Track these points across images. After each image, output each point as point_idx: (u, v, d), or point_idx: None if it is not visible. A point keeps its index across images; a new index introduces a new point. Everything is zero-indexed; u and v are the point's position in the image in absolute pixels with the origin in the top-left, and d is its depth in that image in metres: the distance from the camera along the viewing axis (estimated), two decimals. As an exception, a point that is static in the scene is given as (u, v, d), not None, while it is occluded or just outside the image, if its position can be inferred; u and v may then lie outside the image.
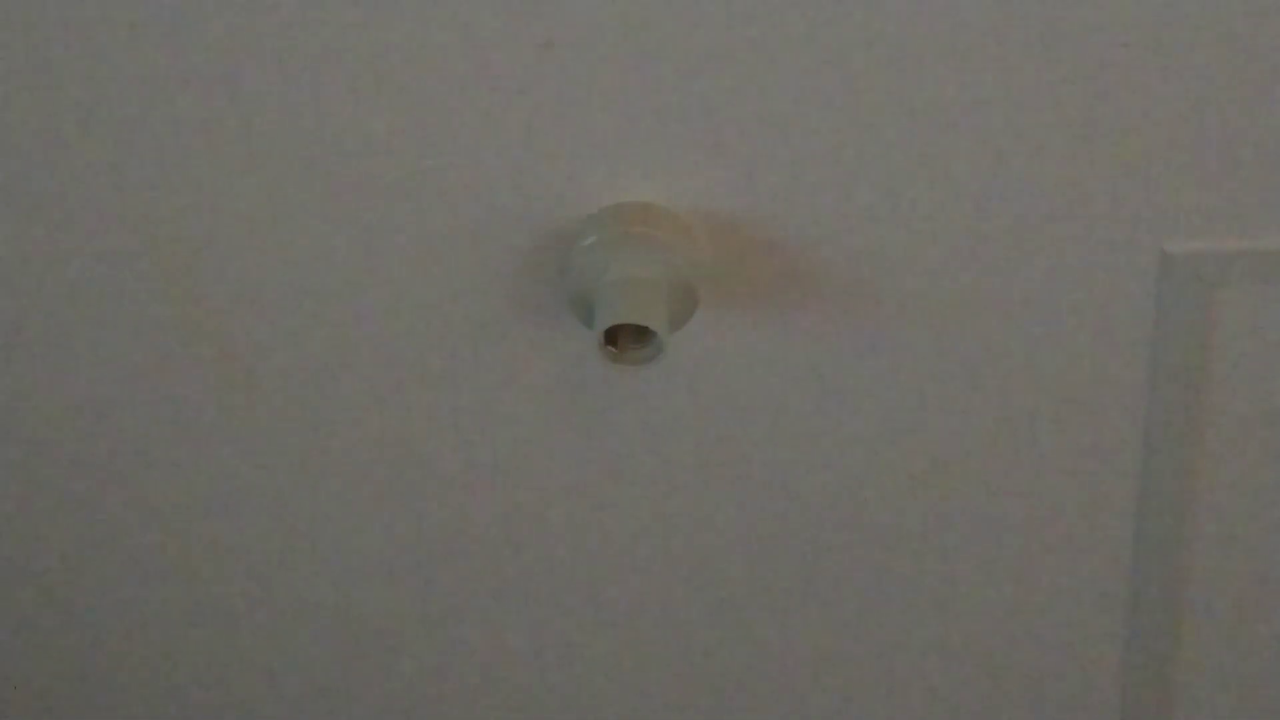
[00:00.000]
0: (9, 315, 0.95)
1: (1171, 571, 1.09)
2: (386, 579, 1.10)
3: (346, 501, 1.05)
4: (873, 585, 1.11)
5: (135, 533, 1.06)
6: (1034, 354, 0.99)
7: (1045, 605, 1.12)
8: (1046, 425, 1.02)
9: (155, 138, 0.87)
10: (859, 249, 0.93)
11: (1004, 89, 0.87)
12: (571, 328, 0.93)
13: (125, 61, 0.84)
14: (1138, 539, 1.07)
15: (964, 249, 0.94)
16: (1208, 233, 0.94)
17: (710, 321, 0.94)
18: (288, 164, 0.89)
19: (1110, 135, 0.89)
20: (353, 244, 0.92)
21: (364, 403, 1.00)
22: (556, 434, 1.01)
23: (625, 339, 0.89)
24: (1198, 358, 0.98)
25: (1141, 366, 0.99)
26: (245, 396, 0.99)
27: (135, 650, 1.13)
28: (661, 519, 1.05)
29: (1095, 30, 0.85)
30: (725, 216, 0.91)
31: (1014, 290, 0.96)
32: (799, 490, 1.05)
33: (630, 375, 0.97)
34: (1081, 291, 0.96)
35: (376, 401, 1.00)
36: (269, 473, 1.03)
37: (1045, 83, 0.87)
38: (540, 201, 0.90)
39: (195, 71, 0.85)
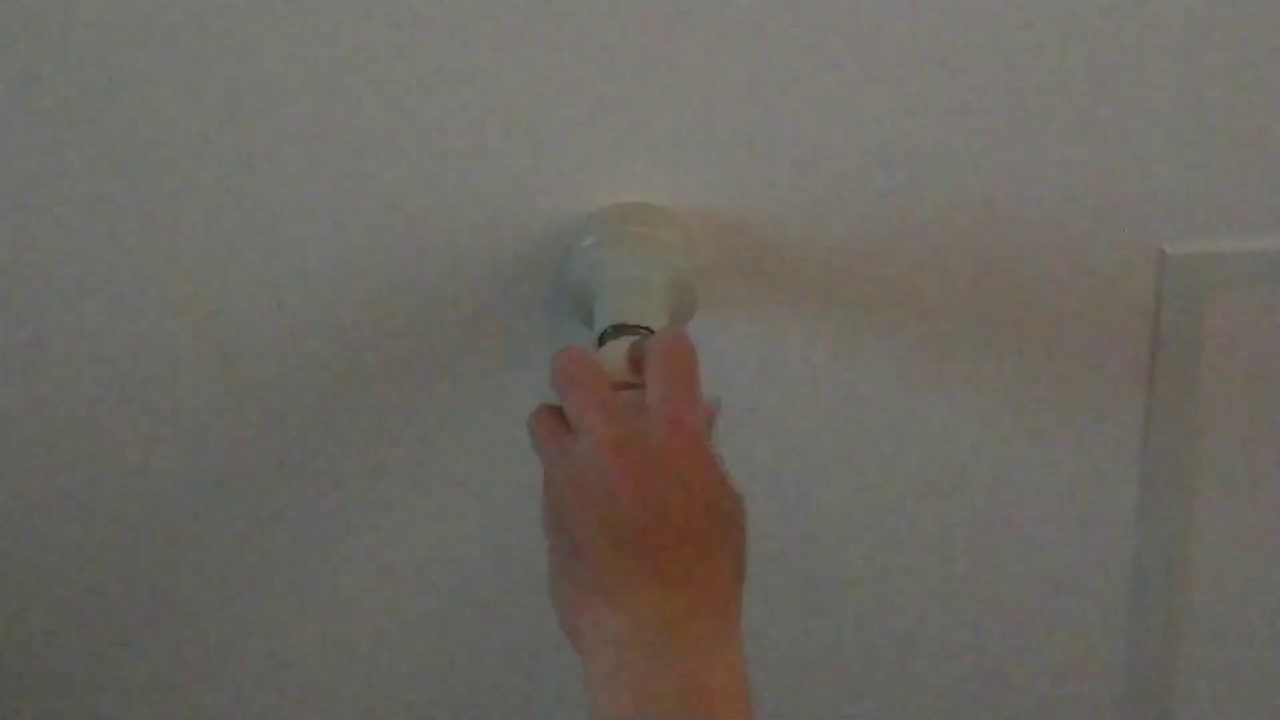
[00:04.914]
0: (9, 315, 0.95)
1: (1171, 571, 1.09)
2: (386, 578, 1.10)
3: (346, 500, 1.05)
4: (871, 585, 1.11)
5: (135, 532, 1.06)
6: (1034, 354, 0.99)
7: (1045, 606, 1.12)
8: (1047, 426, 1.02)
9: (155, 139, 0.87)
10: (858, 249, 0.93)
11: (1003, 90, 0.87)
12: (571, 328, 0.93)
13: (126, 62, 0.84)
14: (1138, 539, 1.07)
15: (964, 250, 0.94)
16: (1208, 233, 0.94)
17: (710, 321, 0.95)
18: (288, 165, 0.89)
19: (1110, 135, 0.89)
20: (353, 244, 0.92)
21: (364, 402, 1.00)
22: (556, 434, 1.01)
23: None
24: (1197, 358, 0.98)
25: (1141, 366, 0.99)
26: (245, 395, 0.99)
27: (133, 651, 1.13)
28: (661, 519, 1.05)
29: (1095, 29, 0.85)
30: (725, 216, 0.91)
31: (1014, 291, 0.96)
32: (798, 489, 1.05)
33: (630, 375, 0.97)
34: (1081, 291, 0.96)
35: (377, 401, 1.00)
36: (268, 472, 1.03)
37: (1044, 83, 0.87)
38: (540, 201, 0.90)
39: (195, 73, 0.85)
